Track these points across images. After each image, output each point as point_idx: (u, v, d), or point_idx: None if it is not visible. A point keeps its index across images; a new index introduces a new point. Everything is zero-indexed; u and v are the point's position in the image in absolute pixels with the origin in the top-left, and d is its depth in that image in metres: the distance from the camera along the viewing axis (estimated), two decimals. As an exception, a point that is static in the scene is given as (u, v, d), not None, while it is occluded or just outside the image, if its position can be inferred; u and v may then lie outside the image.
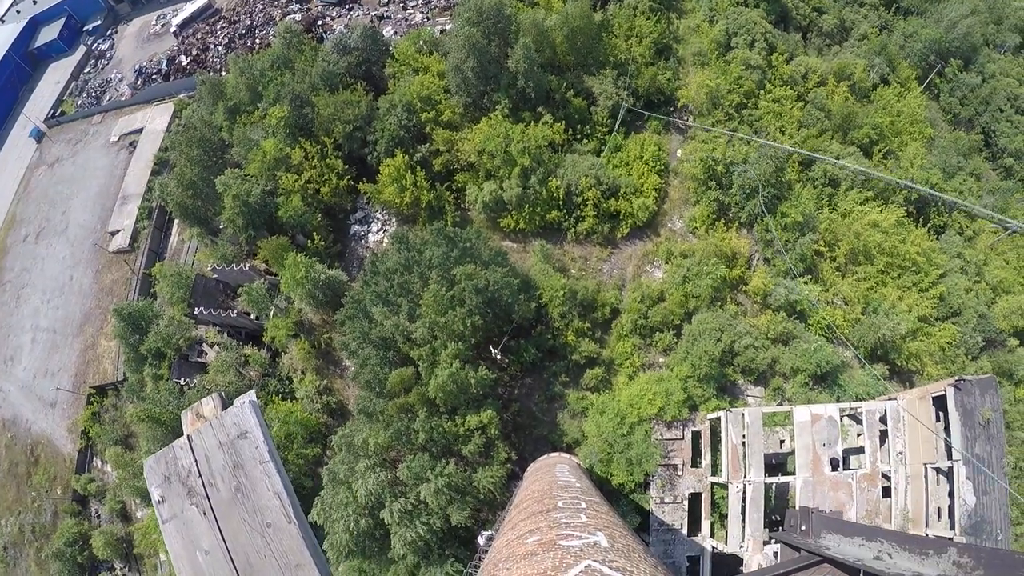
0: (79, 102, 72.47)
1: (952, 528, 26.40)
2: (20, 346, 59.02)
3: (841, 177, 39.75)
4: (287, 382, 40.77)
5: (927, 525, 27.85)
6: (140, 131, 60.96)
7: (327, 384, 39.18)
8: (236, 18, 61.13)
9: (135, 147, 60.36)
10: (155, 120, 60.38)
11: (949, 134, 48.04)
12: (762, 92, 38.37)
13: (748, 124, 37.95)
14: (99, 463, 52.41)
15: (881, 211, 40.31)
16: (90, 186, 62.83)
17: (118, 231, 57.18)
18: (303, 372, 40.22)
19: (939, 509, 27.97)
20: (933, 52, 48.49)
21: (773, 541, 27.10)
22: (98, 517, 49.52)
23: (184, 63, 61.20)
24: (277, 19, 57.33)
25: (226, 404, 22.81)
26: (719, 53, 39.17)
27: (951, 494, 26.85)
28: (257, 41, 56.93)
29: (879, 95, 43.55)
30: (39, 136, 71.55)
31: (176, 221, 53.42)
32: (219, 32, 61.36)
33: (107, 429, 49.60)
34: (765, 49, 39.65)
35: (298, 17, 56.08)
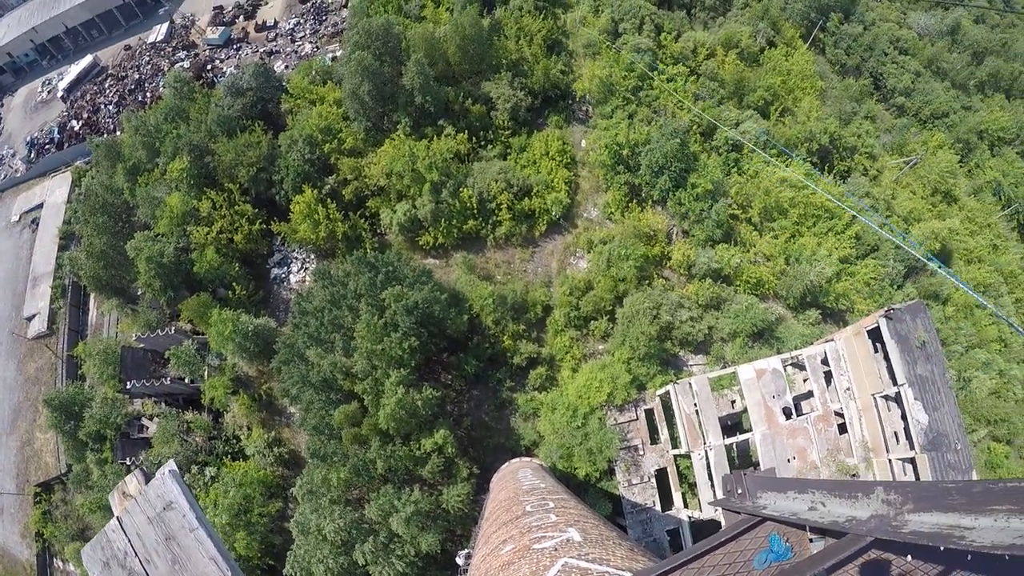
0: (-29, 186, 67.76)
1: (912, 448, 27.06)
2: (-50, 456, 54.77)
3: (743, 141, 41.24)
4: (235, 441, 39.32)
5: (888, 450, 28.76)
6: (41, 206, 57.56)
7: (276, 435, 37.98)
8: (123, 74, 58.48)
9: (38, 224, 56.97)
10: (55, 192, 57.14)
11: (839, 84, 50.56)
12: (655, 72, 39.40)
13: (647, 105, 38.87)
14: (60, 563, 49.33)
15: (786, 167, 42.06)
16: (-4, 273, 58.88)
17: (34, 315, 53.85)
18: (249, 428, 38.86)
19: (895, 433, 28.67)
20: (813, 9, 50.97)
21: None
22: (66, 620, 46.56)
23: (76, 128, 58.15)
24: (165, 69, 55.16)
25: (149, 478, 21.95)
26: (609, 41, 39.99)
27: (904, 417, 27.67)
28: (148, 95, 54.63)
29: (768, 58, 45.40)
30: (-67, 229, 66.48)
31: (92, 295, 50.74)
32: (108, 91, 58.57)
33: (61, 527, 46.83)
34: (653, 31, 40.72)
35: (186, 64, 54.11)
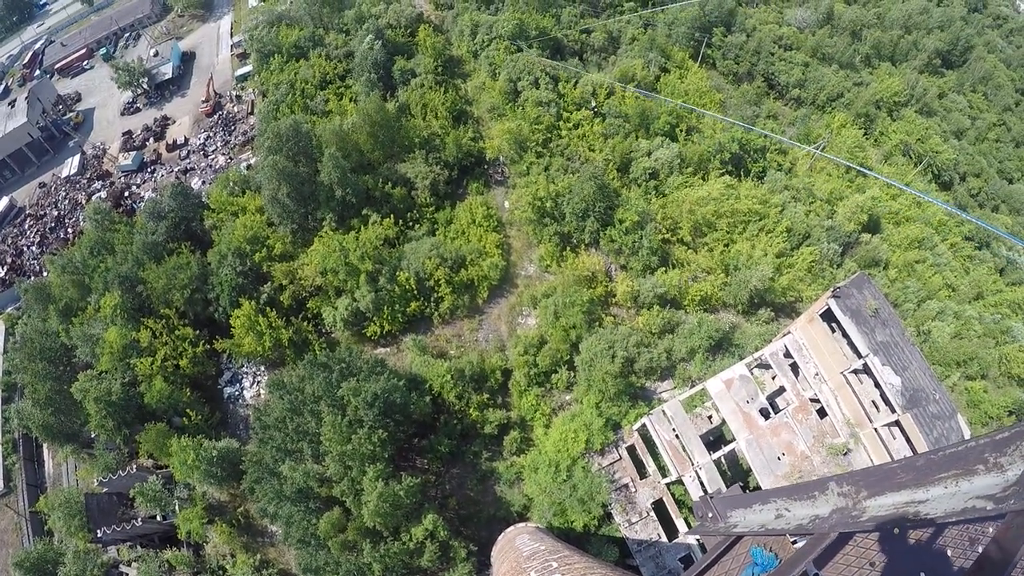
0: (-100, 352, 64.24)
1: (893, 411, 27.62)
2: (-85, 651, 50.57)
3: (658, 167, 43.13)
4: (221, 572, 37.68)
5: (871, 420, 29.24)
6: (-24, 363, 54.91)
7: (262, 557, 36.64)
8: (42, 212, 57.23)
9: (-24, 382, 54.23)
10: (-11, 346, 54.69)
11: (736, 92, 53.68)
12: (561, 122, 41.08)
13: (559, 154, 40.38)
14: None
15: (703, 182, 44.08)
16: (-61, 441, 55.50)
17: (-13, 478, 50.84)
18: (233, 555, 37.36)
19: (874, 402, 29.17)
20: (696, 30, 54.26)
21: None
22: None
23: (2, 274, 56.26)
24: (83, 202, 54.28)
25: None
26: (510, 101, 41.61)
27: (877, 385, 28.35)
28: (70, 230, 53.53)
29: (664, 84, 47.96)
30: None
31: (45, 445, 48.48)
32: (29, 231, 57.10)
33: None
34: (550, 83, 42.61)
35: (104, 194, 53.39)
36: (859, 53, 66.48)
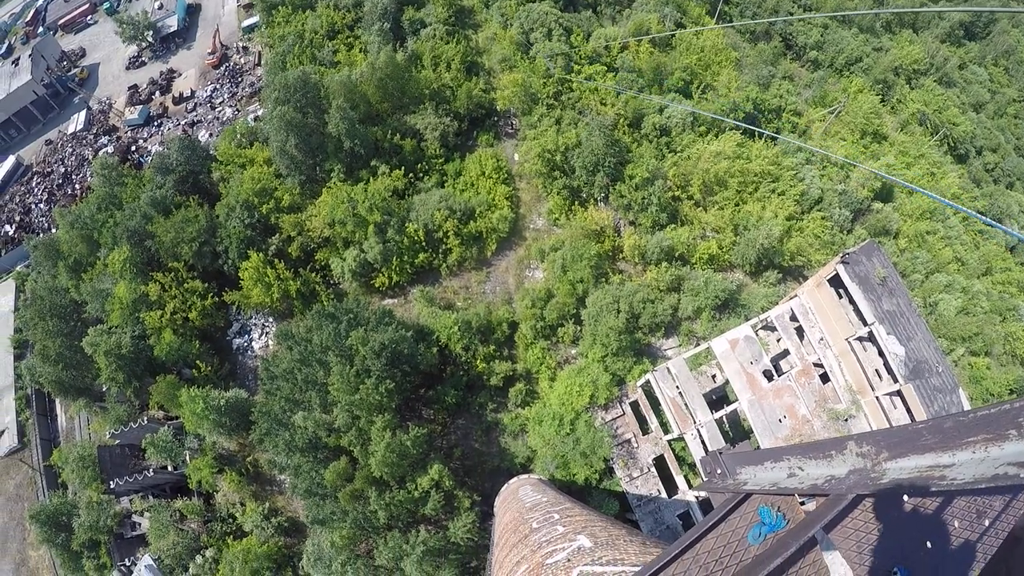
0: (-87, 312, 65.05)
1: (895, 381, 27.65)
2: (-56, 597, 52.51)
3: (671, 124, 42.30)
4: (231, 520, 38.50)
5: (873, 388, 29.26)
6: (-12, 320, 55.55)
7: (270, 505, 37.35)
8: (49, 169, 57.07)
9: (-12, 338, 54.94)
10: (0, 303, 55.26)
11: (752, 51, 52.28)
12: (573, 75, 40.19)
13: (571, 108, 39.59)
14: None
15: (717, 139, 43.23)
16: (-46, 398, 56.56)
17: (2, 432, 51.89)
18: (242, 503, 38.11)
19: (877, 370, 29.26)
20: (714, -16, 52.62)
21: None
22: None
23: (10, 233, 56.46)
24: (90, 158, 54.02)
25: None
26: (522, 52, 40.67)
27: (881, 353, 28.41)
28: (77, 186, 53.42)
29: (679, 40, 46.72)
30: None
31: (58, 400, 49.22)
32: (36, 189, 57.07)
33: (71, 646, 45.01)
34: (563, 34, 41.56)
35: (111, 149, 53.07)
36: (880, 18, 64.53)
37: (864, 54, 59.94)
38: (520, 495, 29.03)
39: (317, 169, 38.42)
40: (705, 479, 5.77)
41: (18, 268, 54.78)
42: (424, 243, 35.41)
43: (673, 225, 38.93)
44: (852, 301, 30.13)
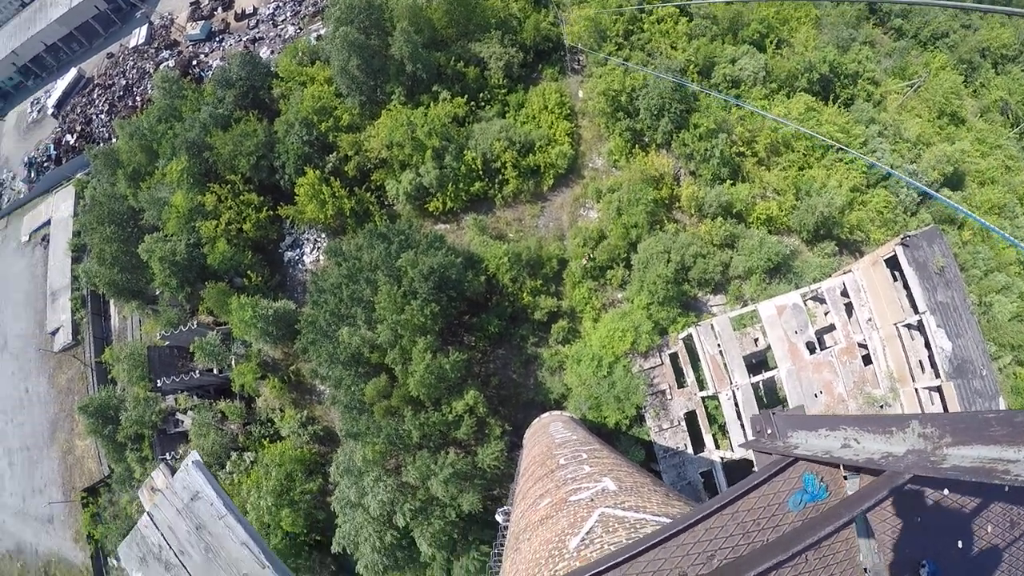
0: (-24, 213, 68.37)
1: (937, 376, 26.92)
2: None
3: (743, 77, 40.53)
4: (269, 424, 40.22)
5: (913, 380, 28.60)
6: (48, 223, 58.10)
7: (308, 414, 38.78)
8: (110, 82, 58.21)
9: (48, 240, 57.60)
10: (60, 208, 57.57)
11: (834, 9, 49.30)
12: (644, 14, 38.64)
13: (640, 49, 38.22)
14: (114, 562, 51.14)
15: (788, 99, 41.41)
16: (14, 294, 59.88)
17: (58, 329, 54.87)
18: (282, 409, 39.69)
19: (920, 362, 28.44)
20: (799, -68, 49.33)
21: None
22: (127, 614, 48.32)
23: (72, 142, 58.23)
24: (151, 71, 54.80)
25: (175, 471, 22.77)
26: (593, -18, 39.18)
27: (927, 345, 27.58)
28: (137, 99, 54.42)
29: (758, -12, 44.23)
30: (-55, 259, 67.40)
31: (112, 302, 51.52)
32: (98, 101, 58.41)
33: (110, 527, 48.41)
34: (637, -29, 39.74)
35: (172, 63, 53.69)
36: (973, -9, 59.91)
37: (951, 29, 56.15)
38: (551, 430, 29.40)
39: (378, 91, 38.20)
40: (753, 437, 5.53)
41: (78, 176, 56.73)
42: (481, 172, 35.18)
43: (733, 181, 37.77)
44: (906, 286, 28.99)
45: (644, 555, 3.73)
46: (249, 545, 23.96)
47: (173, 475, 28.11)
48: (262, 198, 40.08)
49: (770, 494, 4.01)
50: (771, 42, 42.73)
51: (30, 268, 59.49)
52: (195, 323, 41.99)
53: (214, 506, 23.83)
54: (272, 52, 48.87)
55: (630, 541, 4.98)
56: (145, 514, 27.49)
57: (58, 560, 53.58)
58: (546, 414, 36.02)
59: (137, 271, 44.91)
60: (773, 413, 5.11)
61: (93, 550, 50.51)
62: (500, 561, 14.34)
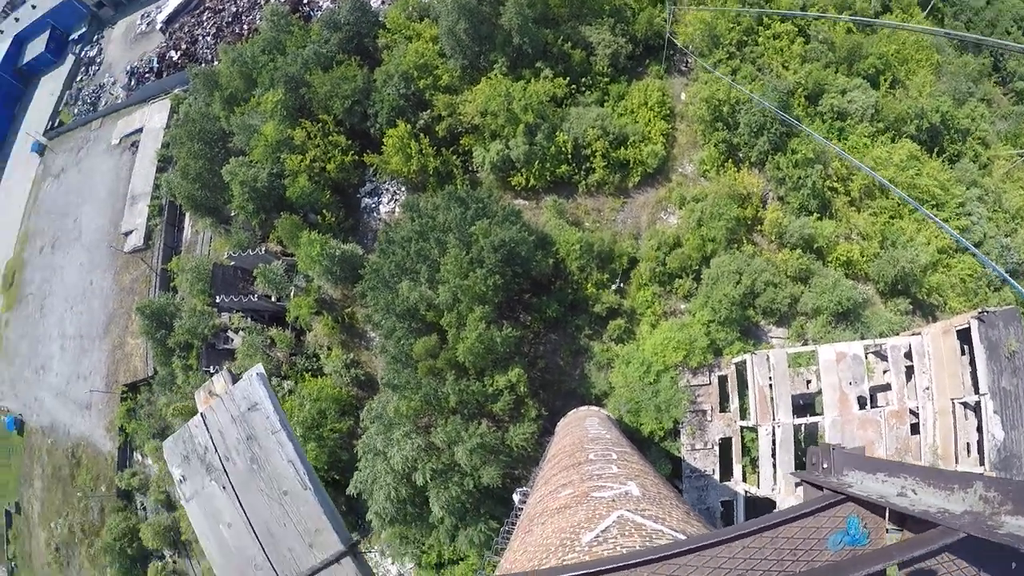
0: (75, 111, 72.47)
1: (982, 464, 26.06)
2: (50, 355, 60.50)
3: (850, 111, 39.13)
4: (314, 359, 41.53)
5: (957, 461, 27.57)
6: (140, 131, 61.05)
7: (354, 357, 39.87)
8: (221, 7, 60.46)
9: (137, 147, 60.55)
10: (153, 118, 60.38)
11: (957, 59, 46.91)
12: (761, 27, 37.66)
13: (750, 62, 37.32)
14: (139, 457, 53.97)
15: (893, 143, 39.80)
16: (98, 191, 63.32)
17: (131, 231, 57.84)
18: (329, 348, 40.90)
19: (968, 444, 27.51)
20: (933, -28, 47.09)
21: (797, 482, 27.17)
22: (144, 509, 51.13)
23: (175, 58, 60.87)
24: (262, 3, 56.68)
25: (236, 380, 23.80)
26: (716, -11, 38.35)
27: (979, 429, 26.59)
28: (245, 27, 56.39)
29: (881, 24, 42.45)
30: (41, 150, 71.88)
31: (187, 215, 53.90)
32: (206, 23, 60.79)
33: (143, 424, 50.92)
34: (763, -17, 38.74)
35: (284, -1, 55.44)
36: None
37: (1080, 102, 52.48)
38: (586, 424, 29.42)
39: (481, 57, 38.50)
40: (807, 468, 5.37)
41: (176, 91, 59.32)
42: (570, 156, 35.17)
43: (820, 216, 36.71)
44: (972, 363, 27.68)
45: (678, 558, 3.71)
46: (295, 464, 25.10)
47: (234, 383, 29.79)
48: (350, 142, 41.06)
49: (812, 527, 3.97)
50: (886, 80, 41.04)
51: (115, 170, 62.71)
52: (263, 249, 43.57)
53: (270, 420, 25.04)
54: (383, 2, 49.82)
55: (642, 548, 4.94)
56: (198, 415, 29.30)
57: (87, 444, 56.71)
58: (584, 407, 36.08)
59: (217, 190, 46.67)
60: (833, 448, 5.05)
61: (122, 441, 53.30)
62: (507, 539, 14.43)
